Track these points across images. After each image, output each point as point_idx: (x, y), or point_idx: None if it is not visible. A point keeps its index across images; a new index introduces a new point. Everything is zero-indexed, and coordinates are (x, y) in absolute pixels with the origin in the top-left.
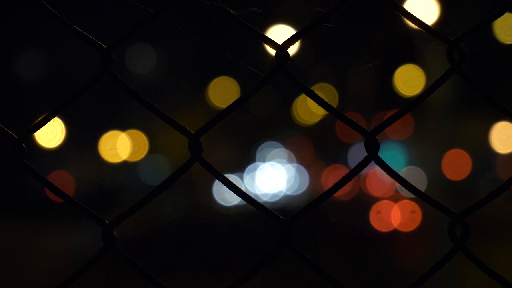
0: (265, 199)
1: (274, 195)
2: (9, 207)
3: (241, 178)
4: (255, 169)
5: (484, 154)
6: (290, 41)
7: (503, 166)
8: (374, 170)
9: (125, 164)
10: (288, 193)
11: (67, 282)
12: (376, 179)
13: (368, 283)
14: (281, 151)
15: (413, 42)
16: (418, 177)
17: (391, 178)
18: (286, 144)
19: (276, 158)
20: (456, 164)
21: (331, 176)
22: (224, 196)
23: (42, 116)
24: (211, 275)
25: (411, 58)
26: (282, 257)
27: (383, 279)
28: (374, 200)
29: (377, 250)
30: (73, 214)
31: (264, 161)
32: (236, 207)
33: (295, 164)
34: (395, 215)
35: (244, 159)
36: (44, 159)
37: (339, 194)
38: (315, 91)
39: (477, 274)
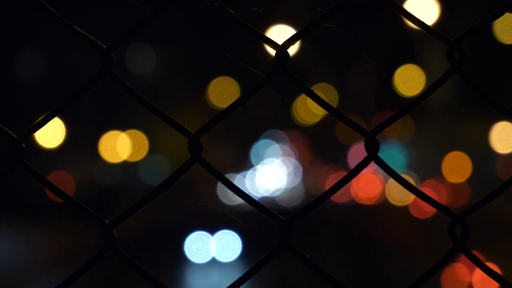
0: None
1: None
2: (9, 207)
3: (242, 177)
4: (253, 171)
5: (484, 154)
6: (290, 41)
7: (503, 166)
8: (374, 170)
9: (125, 164)
10: (286, 193)
11: (67, 282)
12: (376, 181)
13: (368, 283)
14: (281, 151)
15: (413, 42)
16: (418, 177)
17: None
18: (285, 144)
19: (275, 158)
20: (456, 164)
21: (330, 176)
22: (228, 195)
23: (42, 116)
24: (211, 275)
25: (411, 58)
26: (282, 257)
27: (383, 279)
28: (373, 200)
29: (376, 250)
30: (73, 214)
31: (262, 162)
32: (239, 206)
33: (294, 165)
34: (394, 216)
35: (244, 159)
36: (44, 159)
37: (338, 195)
38: (315, 91)
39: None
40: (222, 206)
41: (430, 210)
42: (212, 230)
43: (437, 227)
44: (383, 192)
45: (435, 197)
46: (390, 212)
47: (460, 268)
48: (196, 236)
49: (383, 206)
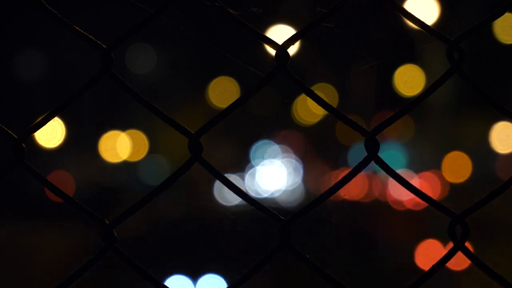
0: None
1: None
2: (9, 207)
3: (242, 178)
4: (253, 171)
5: (484, 154)
6: (290, 41)
7: (503, 166)
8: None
9: (125, 164)
10: (286, 193)
11: (67, 282)
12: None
13: (368, 283)
14: (281, 151)
15: (413, 42)
16: (418, 177)
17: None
18: (285, 144)
19: (275, 159)
20: (456, 164)
21: (331, 176)
22: (225, 196)
23: (42, 116)
24: (211, 275)
25: (411, 58)
26: (282, 258)
27: (383, 279)
28: (374, 202)
29: (377, 250)
30: (73, 214)
31: (261, 162)
32: (237, 206)
33: (294, 166)
34: (396, 216)
35: (244, 159)
36: (44, 159)
37: (338, 195)
38: (315, 91)
39: (477, 274)
40: (218, 207)
41: (408, 202)
42: (195, 274)
43: (431, 223)
44: (381, 190)
45: (430, 191)
46: (387, 210)
47: (434, 244)
48: (176, 280)
49: (380, 204)
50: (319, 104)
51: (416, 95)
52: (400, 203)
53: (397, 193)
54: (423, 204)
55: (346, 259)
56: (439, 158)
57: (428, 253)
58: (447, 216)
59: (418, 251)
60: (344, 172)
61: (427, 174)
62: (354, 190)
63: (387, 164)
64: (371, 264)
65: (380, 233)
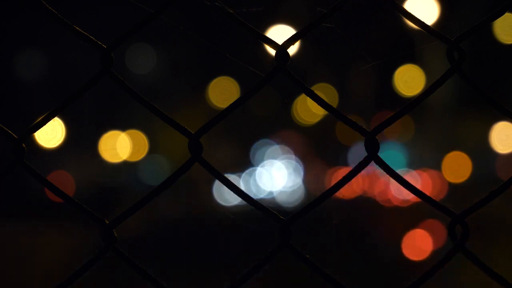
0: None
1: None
2: (9, 207)
3: (242, 178)
4: (253, 171)
5: (484, 154)
6: (290, 41)
7: (503, 166)
8: (376, 171)
9: (125, 164)
10: (286, 193)
11: (67, 282)
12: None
13: (368, 283)
14: (281, 151)
15: (413, 42)
16: (417, 178)
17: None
18: (285, 144)
19: (275, 159)
20: (456, 164)
21: (331, 176)
22: (225, 196)
23: (42, 116)
24: (211, 275)
25: (411, 58)
26: (282, 257)
27: (383, 279)
28: (376, 202)
29: (377, 250)
30: (73, 214)
31: (262, 162)
32: (236, 206)
33: (294, 166)
34: (397, 217)
35: (244, 159)
36: (44, 159)
37: (342, 193)
38: (315, 91)
39: (477, 274)
40: (218, 207)
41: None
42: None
43: (422, 219)
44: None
45: (430, 191)
46: (379, 208)
47: (422, 236)
48: None
49: (371, 202)
50: (319, 104)
51: (416, 95)
52: (387, 200)
53: (386, 191)
54: (411, 201)
55: (346, 259)
56: (439, 158)
57: (418, 245)
58: (447, 216)
59: (408, 245)
60: (344, 172)
61: (427, 174)
62: (349, 190)
63: (387, 164)
64: (370, 263)
65: (378, 231)
